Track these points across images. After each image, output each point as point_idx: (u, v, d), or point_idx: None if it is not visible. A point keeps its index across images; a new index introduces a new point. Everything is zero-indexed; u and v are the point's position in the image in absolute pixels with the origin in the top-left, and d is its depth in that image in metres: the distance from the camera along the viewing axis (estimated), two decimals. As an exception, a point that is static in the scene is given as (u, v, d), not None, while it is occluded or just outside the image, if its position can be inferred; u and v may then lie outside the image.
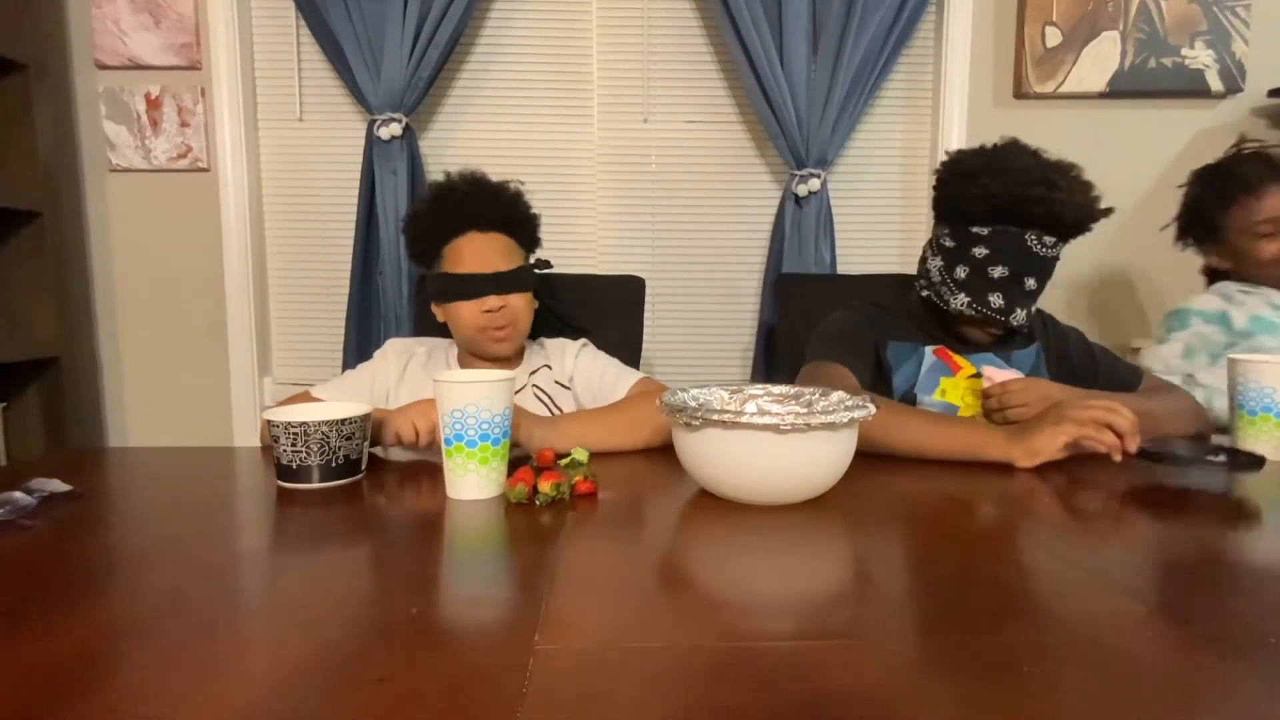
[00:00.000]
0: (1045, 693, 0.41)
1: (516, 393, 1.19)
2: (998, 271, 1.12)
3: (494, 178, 1.25)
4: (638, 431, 1.03)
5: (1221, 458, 0.87)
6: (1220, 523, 0.72)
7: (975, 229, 1.13)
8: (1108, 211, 1.13)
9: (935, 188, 1.21)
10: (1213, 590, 0.55)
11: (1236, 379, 1.02)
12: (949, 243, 1.17)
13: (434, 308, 1.24)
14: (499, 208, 1.22)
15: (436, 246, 1.21)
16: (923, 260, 1.25)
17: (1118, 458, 0.88)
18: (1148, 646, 0.46)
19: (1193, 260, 2.15)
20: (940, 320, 1.24)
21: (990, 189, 1.09)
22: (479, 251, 1.18)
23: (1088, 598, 0.54)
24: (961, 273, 1.15)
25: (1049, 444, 0.91)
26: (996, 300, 1.12)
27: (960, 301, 1.14)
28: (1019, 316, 1.12)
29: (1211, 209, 1.47)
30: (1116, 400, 0.93)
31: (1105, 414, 0.90)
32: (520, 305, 1.20)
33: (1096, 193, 1.12)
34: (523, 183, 1.27)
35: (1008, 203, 1.09)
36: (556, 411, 1.21)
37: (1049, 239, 1.11)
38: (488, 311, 1.16)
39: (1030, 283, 1.12)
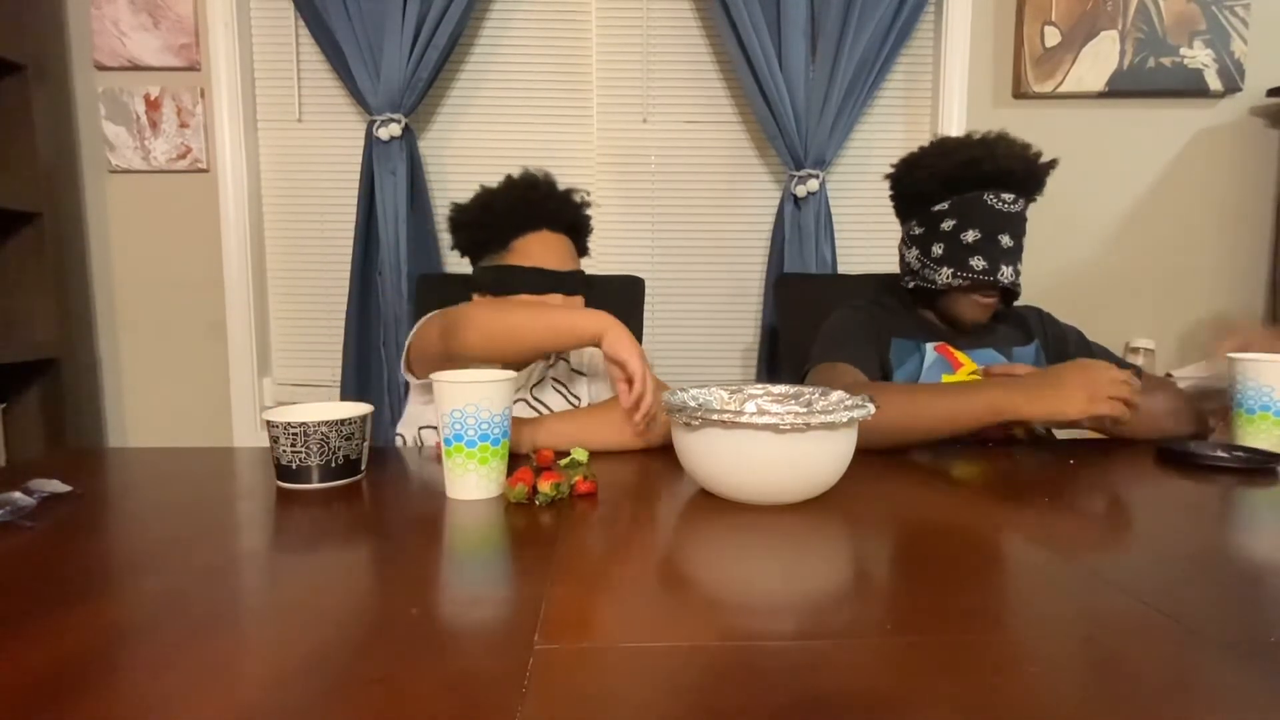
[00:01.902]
0: (1045, 693, 0.41)
1: (537, 384, 1.20)
2: (970, 236, 1.15)
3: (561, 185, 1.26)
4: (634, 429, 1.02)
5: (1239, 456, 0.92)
6: (1220, 522, 0.72)
7: (937, 207, 1.19)
8: (1052, 163, 1.18)
9: (891, 191, 1.28)
10: (1213, 590, 0.55)
11: (1235, 377, 1.02)
12: (918, 230, 1.22)
13: (483, 300, 1.22)
14: (574, 211, 1.24)
15: (507, 238, 1.19)
16: (901, 260, 1.29)
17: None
18: (1148, 646, 0.46)
19: (1191, 260, 2.16)
20: (936, 311, 1.25)
21: (936, 165, 1.17)
22: (553, 249, 1.19)
23: (1088, 598, 0.54)
24: (938, 249, 1.18)
25: (1074, 412, 0.95)
26: (979, 263, 1.15)
27: (945, 275, 1.17)
28: (1006, 274, 1.15)
29: None
30: (1121, 371, 0.99)
31: (1128, 390, 0.96)
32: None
33: (1035, 150, 1.18)
34: (589, 192, 1.28)
35: (956, 169, 1.15)
36: (574, 399, 1.22)
37: (1007, 195, 1.15)
38: None
39: (1005, 239, 1.15)
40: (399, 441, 1.20)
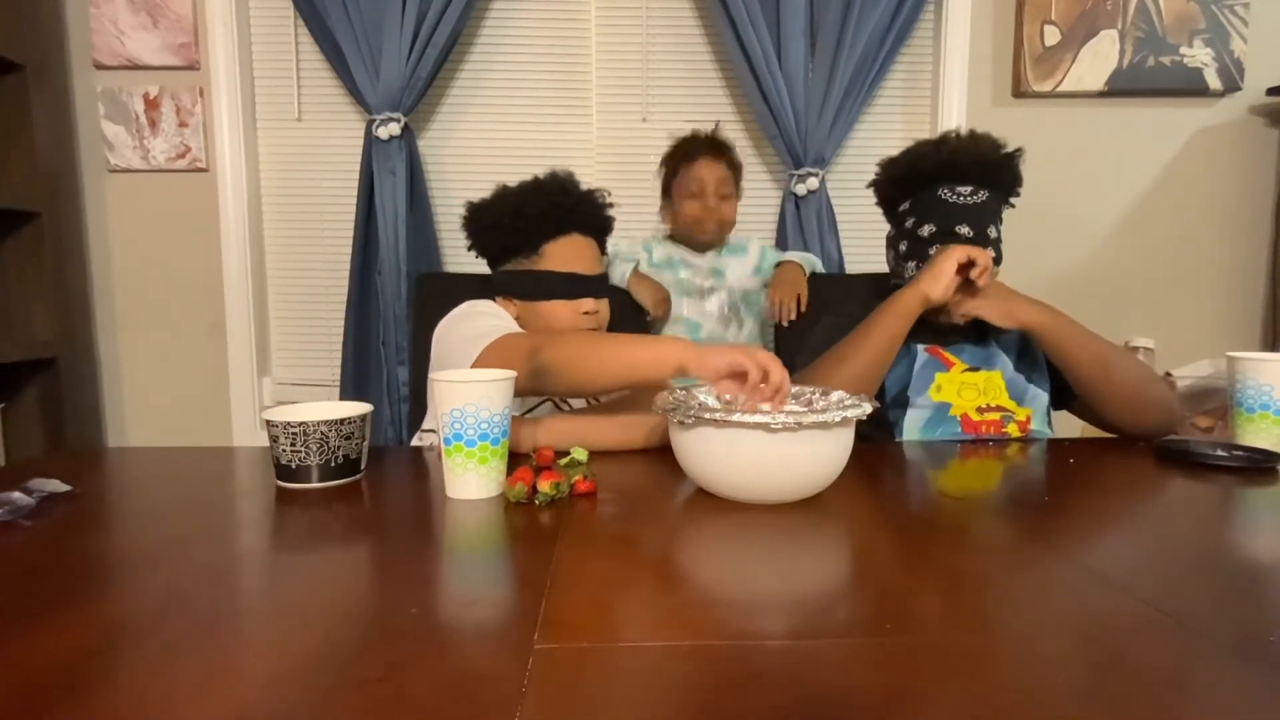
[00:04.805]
0: (1044, 692, 0.41)
1: None
2: (926, 230, 1.17)
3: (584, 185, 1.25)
4: (632, 430, 1.01)
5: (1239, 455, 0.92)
6: (1220, 522, 0.72)
7: (901, 207, 1.22)
8: (1015, 152, 1.19)
9: (875, 197, 1.31)
10: (1213, 590, 0.55)
11: (1235, 376, 1.02)
12: (892, 232, 1.26)
13: (508, 303, 1.21)
14: (602, 214, 1.24)
15: (538, 242, 1.18)
16: (888, 264, 1.30)
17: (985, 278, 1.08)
18: (1148, 646, 0.46)
19: (1190, 259, 2.16)
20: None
21: (892, 169, 1.23)
22: (583, 253, 1.19)
23: (1088, 598, 0.54)
24: (904, 246, 1.21)
25: (946, 266, 1.07)
26: (934, 253, 1.16)
27: (910, 270, 1.19)
28: None
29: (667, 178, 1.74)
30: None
31: (963, 252, 1.06)
32: (607, 312, 1.23)
33: (1001, 143, 1.18)
34: (609, 192, 1.27)
35: (907, 171, 1.19)
36: (594, 399, 1.22)
37: (962, 188, 1.16)
38: (585, 313, 1.18)
39: (964, 230, 1.15)
40: (432, 438, 1.18)
